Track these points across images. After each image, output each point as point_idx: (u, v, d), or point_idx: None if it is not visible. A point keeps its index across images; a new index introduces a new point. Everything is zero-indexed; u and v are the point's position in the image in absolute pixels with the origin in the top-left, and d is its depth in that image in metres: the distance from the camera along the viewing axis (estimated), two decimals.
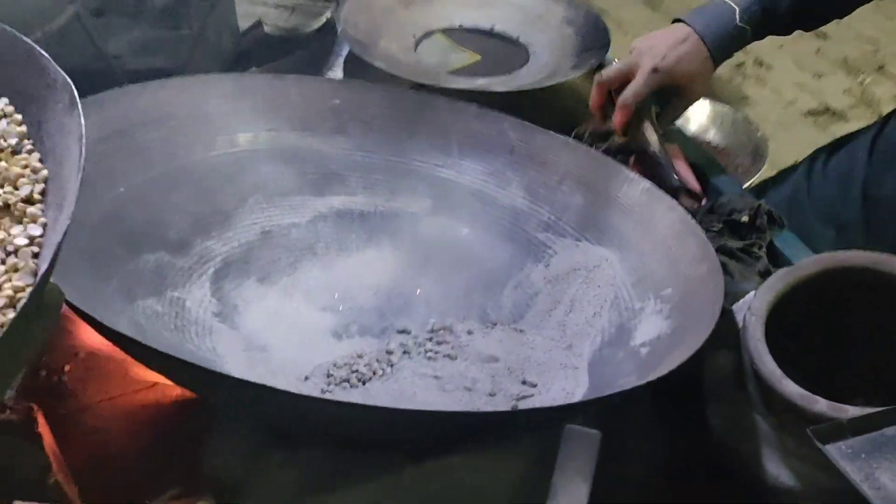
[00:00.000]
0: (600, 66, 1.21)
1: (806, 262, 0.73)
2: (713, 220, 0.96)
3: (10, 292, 0.45)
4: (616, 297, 0.86)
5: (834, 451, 0.57)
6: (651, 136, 0.99)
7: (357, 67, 1.20)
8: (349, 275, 0.92)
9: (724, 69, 2.19)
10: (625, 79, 0.98)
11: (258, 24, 1.38)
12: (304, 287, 0.90)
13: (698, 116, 1.73)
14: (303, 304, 0.89)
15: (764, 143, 1.70)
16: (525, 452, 0.66)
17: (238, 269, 0.89)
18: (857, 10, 1.02)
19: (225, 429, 0.69)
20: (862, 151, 1.05)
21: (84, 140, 0.43)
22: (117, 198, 0.83)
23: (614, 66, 1.04)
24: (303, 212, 0.96)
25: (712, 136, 1.73)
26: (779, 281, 0.72)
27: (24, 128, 0.48)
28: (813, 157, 1.13)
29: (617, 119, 0.99)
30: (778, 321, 0.71)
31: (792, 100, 2.54)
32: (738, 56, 1.10)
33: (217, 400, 0.73)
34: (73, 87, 0.46)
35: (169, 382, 0.76)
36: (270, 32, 1.38)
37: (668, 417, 0.73)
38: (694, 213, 0.94)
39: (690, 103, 1.03)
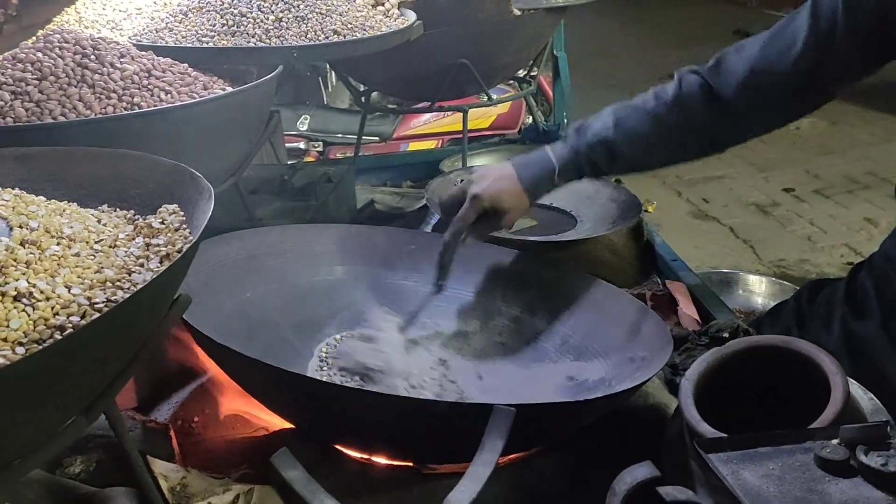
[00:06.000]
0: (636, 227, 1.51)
1: (733, 342, 0.94)
2: (704, 337, 1.18)
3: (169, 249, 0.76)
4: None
5: (713, 457, 0.77)
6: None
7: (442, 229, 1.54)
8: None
9: None
10: (459, 200, 1.23)
11: (371, 202, 1.78)
12: None
13: None
14: None
15: None
16: None
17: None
18: None
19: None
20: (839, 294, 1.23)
21: (209, 215, 0.76)
22: (244, 300, 1.17)
23: (454, 189, 1.27)
24: (382, 326, 1.27)
25: None
26: (711, 355, 0.93)
27: (183, 216, 0.83)
28: (797, 296, 1.32)
29: (450, 231, 1.22)
30: (714, 392, 0.91)
31: None
32: None
33: None
34: (212, 188, 0.81)
35: (256, 427, 1.06)
36: (381, 210, 1.77)
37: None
38: (689, 334, 1.18)
39: (507, 223, 1.25)
